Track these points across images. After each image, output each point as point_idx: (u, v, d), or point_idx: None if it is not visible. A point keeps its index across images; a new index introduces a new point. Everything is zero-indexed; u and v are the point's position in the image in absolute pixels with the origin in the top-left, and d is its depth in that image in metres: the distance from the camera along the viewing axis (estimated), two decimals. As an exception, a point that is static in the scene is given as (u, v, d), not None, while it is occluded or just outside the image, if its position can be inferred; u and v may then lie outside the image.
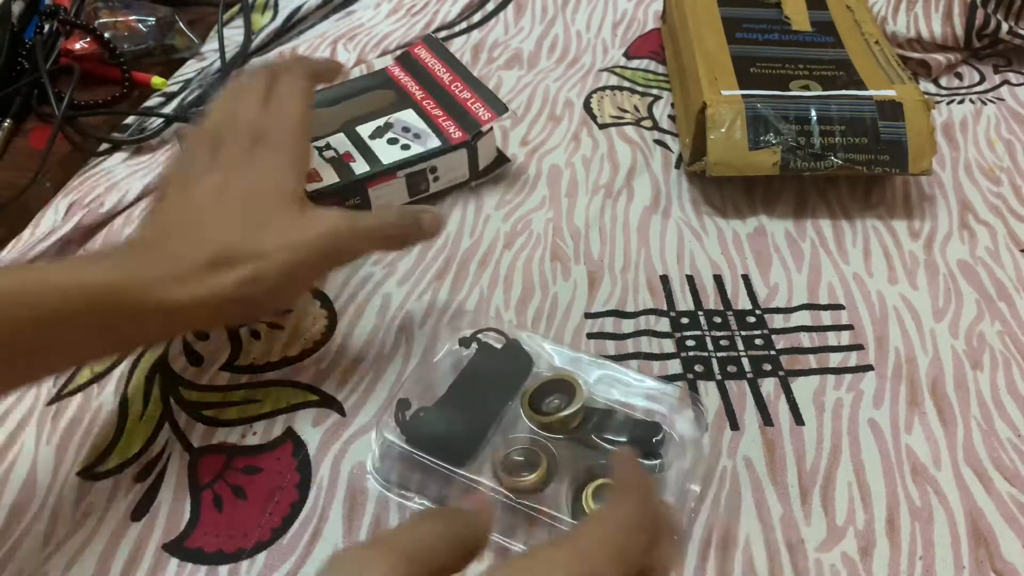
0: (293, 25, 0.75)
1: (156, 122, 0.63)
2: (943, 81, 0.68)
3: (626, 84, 0.68)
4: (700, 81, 0.57)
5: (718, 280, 0.51)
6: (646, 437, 0.40)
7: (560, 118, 0.64)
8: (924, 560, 0.38)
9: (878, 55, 0.60)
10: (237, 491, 0.41)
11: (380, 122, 0.56)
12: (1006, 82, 0.68)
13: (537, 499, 0.38)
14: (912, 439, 0.43)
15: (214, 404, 0.45)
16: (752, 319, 0.49)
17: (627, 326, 0.49)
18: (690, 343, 0.48)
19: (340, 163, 0.53)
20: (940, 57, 0.68)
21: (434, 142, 0.54)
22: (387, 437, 0.40)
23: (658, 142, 0.62)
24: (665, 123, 0.64)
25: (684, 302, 0.50)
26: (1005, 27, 0.67)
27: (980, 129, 0.63)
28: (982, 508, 0.40)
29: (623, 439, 0.40)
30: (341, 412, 0.44)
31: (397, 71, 0.61)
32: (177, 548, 0.38)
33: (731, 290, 0.51)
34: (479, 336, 0.45)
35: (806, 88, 0.57)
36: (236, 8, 0.76)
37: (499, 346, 0.45)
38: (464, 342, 0.45)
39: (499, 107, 0.56)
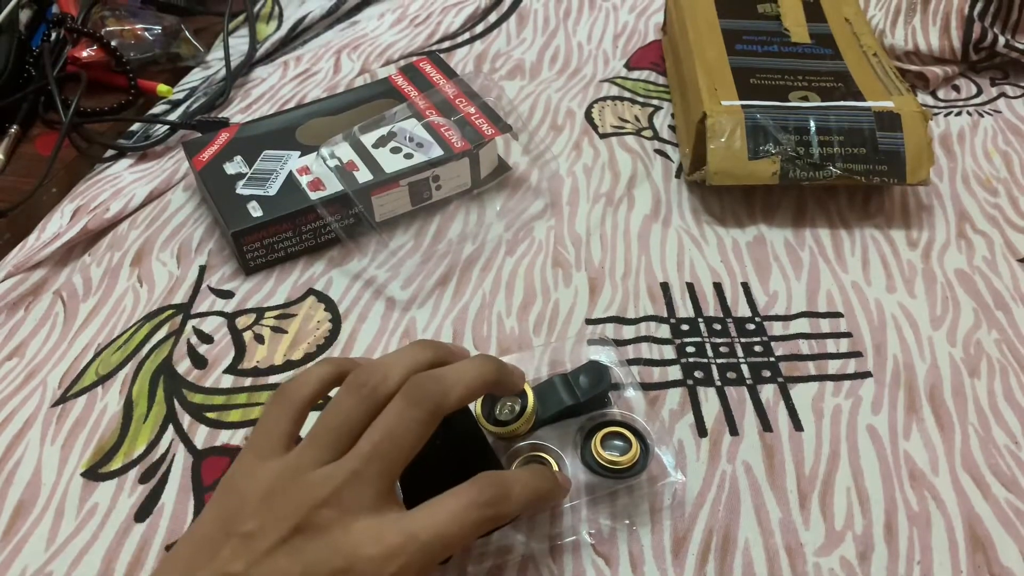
0: (298, 35, 0.76)
1: (161, 129, 0.63)
2: (941, 93, 0.69)
3: (627, 95, 0.69)
4: (700, 91, 0.57)
5: (718, 287, 0.52)
6: (599, 375, 0.41)
7: (562, 127, 0.65)
8: (922, 565, 0.38)
9: (876, 67, 0.61)
10: (240, 493, 0.41)
11: (383, 131, 0.56)
12: (1003, 95, 0.68)
13: None
14: (910, 445, 0.43)
15: (217, 407, 0.45)
16: (752, 326, 0.49)
17: (628, 332, 0.49)
18: (690, 349, 0.48)
19: (344, 172, 0.53)
20: (938, 70, 0.68)
21: (437, 151, 0.55)
22: None
23: (658, 152, 0.63)
24: (665, 133, 0.64)
25: (684, 309, 0.50)
26: (1002, 40, 0.68)
27: (977, 141, 0.63)
28: (980, 514, 0.40)
29: (585, 389, 0.41)
30: (344, 415, 0.44)
31: (400, 80, 0.62)
32: (180, 549, 0.39)
33: (731, 297, 0.51)
34: None
35: (805, 99, 0.57)
36: (241, 17, 0.77)
37: None
38: None
39: (502, 126, 0.56)
